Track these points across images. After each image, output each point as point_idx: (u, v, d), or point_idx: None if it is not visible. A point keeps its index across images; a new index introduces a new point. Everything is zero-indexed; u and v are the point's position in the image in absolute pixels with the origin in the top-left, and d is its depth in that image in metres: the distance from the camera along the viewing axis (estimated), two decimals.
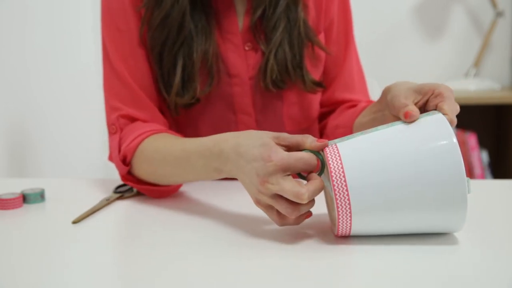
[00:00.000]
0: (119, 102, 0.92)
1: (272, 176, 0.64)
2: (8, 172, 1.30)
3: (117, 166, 0.90)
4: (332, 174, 0.62)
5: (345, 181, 0.61)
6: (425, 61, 2.34)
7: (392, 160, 0.62)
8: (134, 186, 0.89)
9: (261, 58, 0.95)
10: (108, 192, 0.90)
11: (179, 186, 0.90)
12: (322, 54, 1.00)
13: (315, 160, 0.66)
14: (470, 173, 2.19)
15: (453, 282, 0.56)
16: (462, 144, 2.17)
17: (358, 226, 0.63)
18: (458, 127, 2.21)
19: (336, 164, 0.62)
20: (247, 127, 0.97)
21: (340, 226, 0.63)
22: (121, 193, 0.89)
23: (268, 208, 0.67)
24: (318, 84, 0.99)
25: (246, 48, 0.95)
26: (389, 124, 0.66)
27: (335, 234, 0.66)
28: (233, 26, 0.95)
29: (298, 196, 0.63)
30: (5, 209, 0.83)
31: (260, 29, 0.95)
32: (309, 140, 0.67)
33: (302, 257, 0.62)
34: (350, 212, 0.62)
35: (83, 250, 0.67)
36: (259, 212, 0.72)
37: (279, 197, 0.65)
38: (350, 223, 0.63)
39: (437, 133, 0.63)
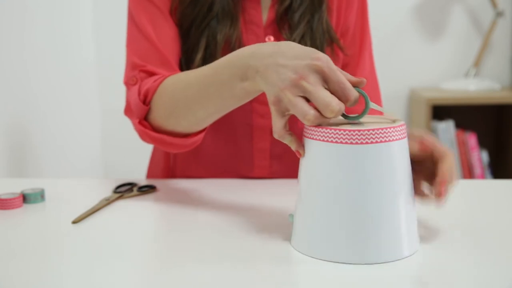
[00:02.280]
0: (142, 60, 0.93)
1: (313, 75, 0.62)
2: (8, 172, 1.30)
3: (135, 110, 0.88)
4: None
5: None
6: (425, 61, 2.34)
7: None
8: (149, 134, 0.87)
9: None
10: (108, 192, 0.90)
11: (196, 137, 0.88)
12: (340, 55, 1.01)
13: (357, 94, 0.63)
14: (470, 173, 2.19)
15: (453, 282, 0.56)
16: (462, 144, 2.17)
17: None
18: (458, 127, 2.21)
19: None
20: (261, 117, 0.98)
21: None
22: (121, 193, 0.89)
23: (282, 113, 0.65)
24: None
25: (267, 40, 0.97)
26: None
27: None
28: (257, 18, 0.98)
29: (328, 106, 0.60)
30: (5, 209, 0.83)
31: (285, 20, 0.97)
32: (362, 81, 0.64)
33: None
34: None
35: (83, 250, 0.67)
36: (254, 213, 0.72)
37: (303, 100, 0.62)
38: None
39: None
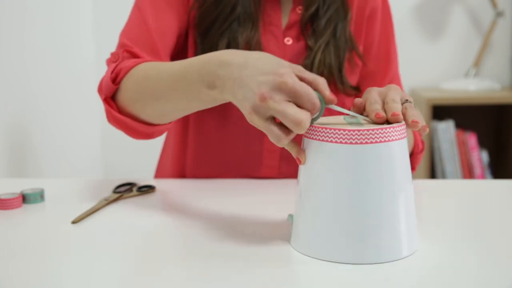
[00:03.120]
0: (131, 42, 0.92)
1: (277, 93, 0.61)
2: (8, 172, 1.30)
3: (104, 87, 0.87)
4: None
5: None
6: (425, 61, 2.34)
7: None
8: (113, 114, 0.86)
9: (301, 53, 0.98)
10: (108, 192, 0.90)
11: (160, 127, 0.87)
12: (359, 63, 1.02)
13: (319, 102, 0.62)
14: (470, 173, 2.19)
15: (453, 282, 0.56)
16: (462, 144, 2.17)
17: None
18: (458, 127, 2.21)
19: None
20: None
21: None
22: (121, 193, 0.89)
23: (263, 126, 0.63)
24: (355, 88, 1.01)
25: (286, 42, 0.98)
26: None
27: None
28: (277, 20, 0.98)
29: (299, 124, 0.60)
30: (5, 209, 0.83)
31: (308, 25, 0.98)
32: (322, 81, 0.64)
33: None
34: None
35: (82, 250, 0.67)
36: (255, 213, 0.72)
37: (272, 121, 0.62)
38: None
39: None
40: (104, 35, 2.18)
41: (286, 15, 0.99)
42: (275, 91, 0.61)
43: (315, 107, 0.62)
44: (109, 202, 0.85)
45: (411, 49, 2.35)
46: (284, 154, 1.01)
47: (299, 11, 0.99)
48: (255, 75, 0.63)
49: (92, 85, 2.09)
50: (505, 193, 0.92)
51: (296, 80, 0.62)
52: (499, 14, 2.22)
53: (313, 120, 0.63)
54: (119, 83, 0.86)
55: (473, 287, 0.56)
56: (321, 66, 0.95)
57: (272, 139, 0.63)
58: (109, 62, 0.92)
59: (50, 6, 1.63)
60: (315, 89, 0.63)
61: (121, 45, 0.93)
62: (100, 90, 0.90)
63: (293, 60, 0.97)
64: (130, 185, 0.93)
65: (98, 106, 2.29)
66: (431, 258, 0.62)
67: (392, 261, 0.61)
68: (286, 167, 1.01)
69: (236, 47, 0.93)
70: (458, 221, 0.77)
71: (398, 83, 1.09)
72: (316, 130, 0.62)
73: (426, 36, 2.34)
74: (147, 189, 0.92)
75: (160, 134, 0.89)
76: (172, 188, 0.95)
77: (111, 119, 0.88)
